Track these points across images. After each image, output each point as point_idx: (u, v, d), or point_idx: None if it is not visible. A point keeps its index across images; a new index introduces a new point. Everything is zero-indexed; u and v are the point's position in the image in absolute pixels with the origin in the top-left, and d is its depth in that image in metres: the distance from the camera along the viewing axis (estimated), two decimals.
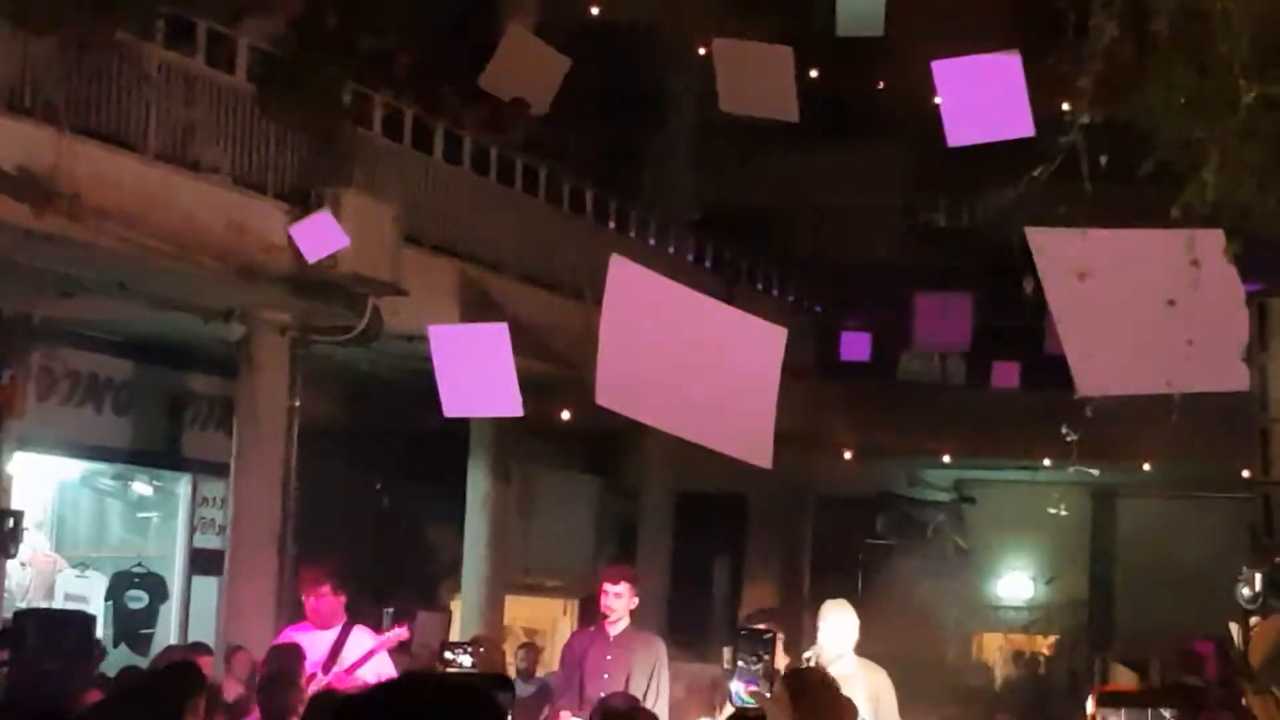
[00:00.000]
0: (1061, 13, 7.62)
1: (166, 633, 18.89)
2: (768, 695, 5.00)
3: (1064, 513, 9.70)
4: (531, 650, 19.22)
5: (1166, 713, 15.53)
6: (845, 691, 9.31)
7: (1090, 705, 15.68)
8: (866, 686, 10.52)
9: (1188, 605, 20.38)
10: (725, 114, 11.62)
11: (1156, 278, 6.67)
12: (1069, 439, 7.09)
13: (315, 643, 11.43)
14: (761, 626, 5.14)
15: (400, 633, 12.37)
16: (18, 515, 16.05)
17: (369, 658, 11.74)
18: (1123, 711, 15.62)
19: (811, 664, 10.28)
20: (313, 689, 10.85)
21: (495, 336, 9.54)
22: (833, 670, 10.25)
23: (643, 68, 25.47)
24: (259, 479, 16.98)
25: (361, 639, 11.74)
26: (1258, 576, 17.26)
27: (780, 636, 5.39)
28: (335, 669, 11.48)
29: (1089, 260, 6.72)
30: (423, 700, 3.12)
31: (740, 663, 5.05)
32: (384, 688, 3.29)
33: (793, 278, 26.55)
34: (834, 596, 11.45)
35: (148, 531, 20.55)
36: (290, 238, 15.89)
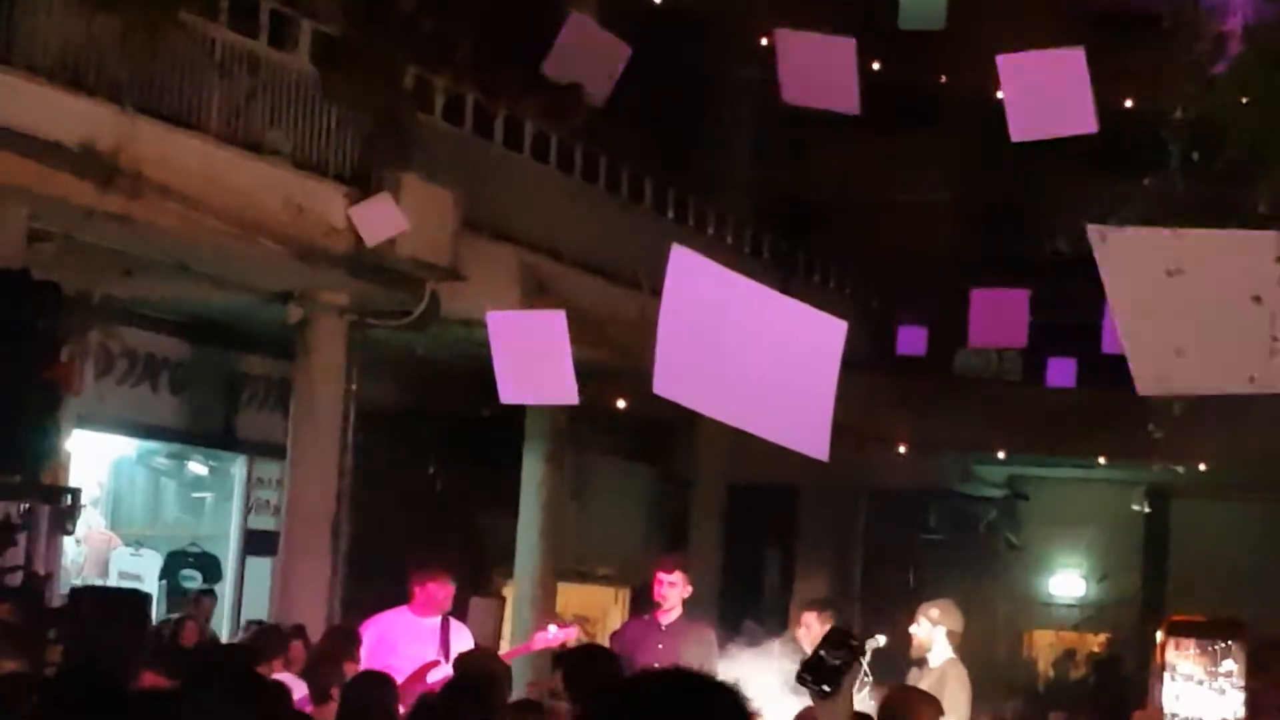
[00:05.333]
0: (1124, 10, 7.58)
1: (220, 613, 18.97)
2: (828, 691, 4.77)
3: (1147, 509, 9.63)
4: None
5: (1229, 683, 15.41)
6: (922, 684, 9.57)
7: (1160, 634, 15.60)
8: (937, 679, 10.67)
9: (1242, 606, 20.25)
10: (785, 105, 11.55)
11: (1229, 275, 6.59)
12: (1155, 436, 7.02)
13: (416, 628, 11.46)
14: (853, 642, 4.81)
15: (568, 632, 12.38)
16: (76, 492, 16.11)
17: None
18: (1191, 641, 15.53)
19: (866, 656, 10.36)
20: (434, 675, 10.87)
21: (553, 323, 9.49)
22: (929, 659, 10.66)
23: (704, 57, 25.41)
24: (314, 461, 17.03)
25: (461, 630, 11.76)
26: None
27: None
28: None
29: (1154, 257, 6.65)
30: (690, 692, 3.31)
31: (821, 652, 4.79)
32: (650, 676, 3.45)
33: (849, 270, 26.46)
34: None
35: (202, 511, 20.66)
36: (350, 220, 15.95)
